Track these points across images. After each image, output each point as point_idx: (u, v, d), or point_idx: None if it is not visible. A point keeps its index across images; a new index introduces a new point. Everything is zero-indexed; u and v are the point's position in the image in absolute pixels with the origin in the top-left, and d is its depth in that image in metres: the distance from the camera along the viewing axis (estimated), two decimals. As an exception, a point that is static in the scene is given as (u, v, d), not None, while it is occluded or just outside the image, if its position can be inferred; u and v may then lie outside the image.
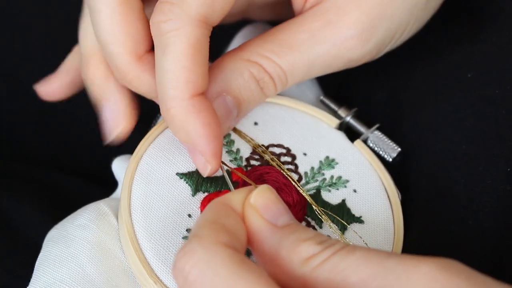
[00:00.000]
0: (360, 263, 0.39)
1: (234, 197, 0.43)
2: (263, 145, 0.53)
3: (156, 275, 0.46)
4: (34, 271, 0.48)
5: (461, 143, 0.52)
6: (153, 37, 0.47)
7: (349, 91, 0.61)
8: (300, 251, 0.41)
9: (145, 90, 0.51)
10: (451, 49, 0.56)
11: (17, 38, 0.67)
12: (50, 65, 0.63)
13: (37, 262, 0.49)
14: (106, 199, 0.51)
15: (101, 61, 0.53)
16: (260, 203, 0.43)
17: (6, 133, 0.63)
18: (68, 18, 0.65)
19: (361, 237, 0.50)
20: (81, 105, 0.63)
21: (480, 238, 0.49)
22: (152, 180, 0.49)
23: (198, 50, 0.46)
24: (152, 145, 0.51)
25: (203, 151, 0.48)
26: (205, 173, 0.49)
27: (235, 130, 0.53)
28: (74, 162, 0.62)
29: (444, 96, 0.55)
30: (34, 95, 0.61)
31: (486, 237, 0.48)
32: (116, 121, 0.52)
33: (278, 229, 0.42)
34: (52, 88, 0.56)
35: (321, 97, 0.57)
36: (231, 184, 0.49)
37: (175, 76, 0.46)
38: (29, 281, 0.49)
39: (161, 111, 0.48)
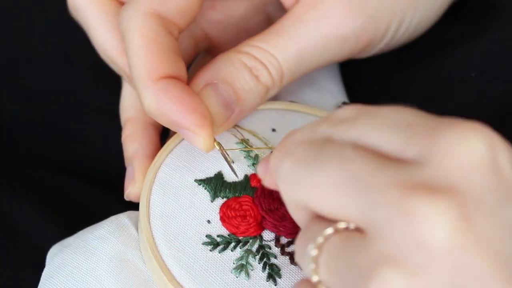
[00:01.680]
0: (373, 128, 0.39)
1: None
2: None
3: (176, 280, 0.46)
4: (46, 277, 0.49)
5: None
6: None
7: (355, 92, 0.61)
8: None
9: None
10: (453, 48, 0.56)
11: (18, 39, 0.68)
12: (51, 66, 0.65)
13: (49, 268, 0.49)
14: (127, 212, 0.51)
15: (131, 128, 0.55)
16: None
17: (6, 134, 0.63)
18: (68, 19, 0.65)
19: None
20: (82, 105, 0.64)
21: None
22: (170, 188, 0.50)
23: (152, 39, 0.48)
24: (171, 155, 0.52)
25: (184, 126, 0.48)
26: (200, 146, 0.49)
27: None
28: (74, 163, 0.63)
29: (447, 95, 0.55)
30: (34, 96, 0.62)
31: None
32: (127, 183, 0.53)
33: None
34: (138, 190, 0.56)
35: (340, 103, 0.57)
36: (232, 167, 0.50)
37: (136, 66, 0.48)
38: (29, 280, 0.50)
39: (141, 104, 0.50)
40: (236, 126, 0.53)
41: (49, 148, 0.63)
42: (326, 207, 0.38)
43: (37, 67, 0.66)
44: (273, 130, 0.54)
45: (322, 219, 0.38)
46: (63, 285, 0.47)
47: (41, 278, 0.49)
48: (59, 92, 0.65)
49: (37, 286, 0.48)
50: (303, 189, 0.38)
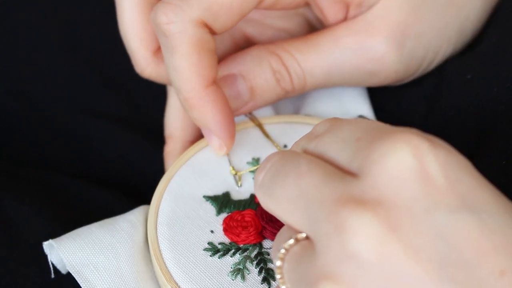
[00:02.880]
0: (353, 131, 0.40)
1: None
2: None
3: (175, 281, 0.49)
4: (67, 235, 0.51)
5: (463, 142, 0.52)
6: (158, 36, 0.51)
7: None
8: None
9: (163, 80, 0.56)
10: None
11: (18, 42, 0.68)
12: (51, 67, 0.66)
13: (73, 232, 0.51)
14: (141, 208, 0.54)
15: (172, 146, 0.58)
16: None
17: (6, 134, 0.65)
18: (68, 20, 0.68)
19: None
20: (83, 104, 0.65)
21: None
22: (179, 199, 0.53)
23: (202, 47, 0.50)
24: (184, 167, 0.55)
25: (219, 135, 0.52)
26: (220, 153, 0.53)
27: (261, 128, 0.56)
28: (75, 164, 0.64)
29: (444, 98, 0.55)
30: (34, 96, 0.64)
31: None
32: None
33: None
34: None
35: (359, 115, 0.58)
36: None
37: (186, 72, 0.50)
38: (31, 281, 0.51)
39: (179, 100, 0.52)
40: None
41: (50, 149, 0.64)
42: (287, 220, 0.40)
43: (38, 69, 0.67)
44: (285, 146, 0.56)
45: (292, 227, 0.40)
46: (83, 251, 0.50)
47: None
48: (60, 94, 0.66)
49: (41, 282, 0.52)
50: (269, 202, 0.41)
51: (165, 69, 0.54)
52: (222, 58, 0.57)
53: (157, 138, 0.61)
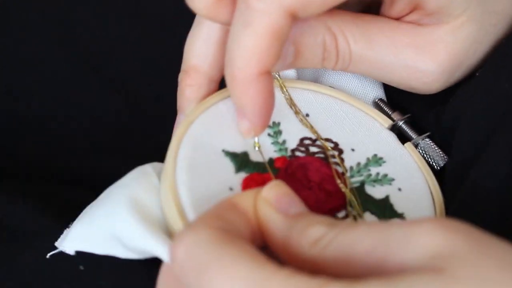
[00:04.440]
0: (363, 236, 0.39)
1: (241, 196, 0.44)
2: (310, 138, 0.53)
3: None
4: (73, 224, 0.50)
5: (470, 137, 0.52)
6: (237, 4, 0.48)
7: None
8: (309, 234, 0.41)
9: (216, 18, 0.50)
10: None
11: (17, 43, 0.68)
12: (50, 68, 0.65)
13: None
14: (153, 163, 0.51)
15: (196, 79, 0.54)
16: (272, 195, 0.44)
17: (5, 136, 0.64)
18: (68, 20, 0.67)
19: None
20: (82, 106, 0.64)
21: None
22: (199, 148, 0.50)
23: (278, 37, 0.47)
24: (205, 114, 0.52)
25: (252, 122, 0.49)
26: (247, 136, 0.51)
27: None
28: (67, 169, 0.62)
29: (451, 94, 0.55)
30: (33, 97, 0.63)
31: None
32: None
33: (288, 218, 0.43)
34: None
35: (376, 100, 0.58)
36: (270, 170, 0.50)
37: (249, 52, 0.47)
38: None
39: (225, 71, 0.49)
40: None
41: (42, 154, 0.63)
42: None
43: (37, 70, 0.66)
44: (307, 115, 0.54)
45: None
46: (81, 227, 0.49)
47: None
48: (59, 95, 0.65)
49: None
50: None
51: (225, 11, 0.50)
52: None
53: (158, 140, 0.58)
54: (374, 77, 0.55)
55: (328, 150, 0.53)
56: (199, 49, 0.54)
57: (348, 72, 0.56)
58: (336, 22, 0.52)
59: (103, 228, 0.48)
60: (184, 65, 0.55)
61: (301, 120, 0.54)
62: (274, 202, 0.44)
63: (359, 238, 0.40)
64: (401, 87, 0.55)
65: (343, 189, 0.51)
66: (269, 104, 0.49)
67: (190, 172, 0.48)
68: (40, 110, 0.64)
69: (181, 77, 0.55)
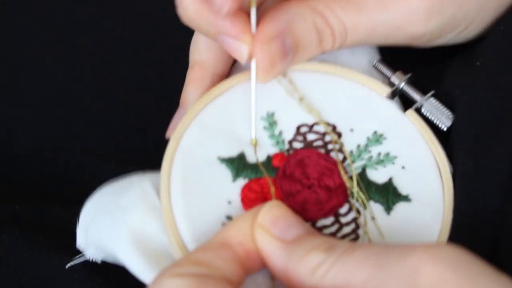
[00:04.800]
0: (359, 265, 0.41)
1: (236, 227, 0.45)
2: (307, 124, 0.52)
3: None
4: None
5: (470, 127, 0.51)
6: None
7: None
8: (307, 262, 0.42)
9: (200, 25, 0.51)
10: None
11: (16, 46, 0.67)
12: (48, 70, 0.65)
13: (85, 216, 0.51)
14: (150, 175, 0.51)
15: (199, 73, 0.54)
16: (267, 220, 0.44)
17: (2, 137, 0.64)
18: (67, 23, 0.66)
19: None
20: (80, 110, 0.64)
21: None
22: (192, 163, 0.50)
23: None
24: (194, 122, 0.51)
25: (230, 32, 0.48)
26: (242, 57, 0.50)
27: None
28: (66, 168, 0.62)
29: (453, 83, 0.53)
30: (31, 101, 0.63)
31: None
32: (175, 124, 0.54)
33: (286, 244, 0.44)
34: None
35: (375, 62, 0.55)
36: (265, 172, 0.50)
37: None
38: None
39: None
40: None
41: (25, 176, 0.63)
42: None
43: (35, 72, 0.66)
44: (301, 99, 0.52)
45: None
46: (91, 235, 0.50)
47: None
48: (57, 98, 0.65)
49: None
50: None
51: (206, 14, 0.49)
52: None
53: (158, 143, 0.58)
54: (373, 41, 0.53)
55: (330, 136, 0.52)
56: (203, 45, 0.55)
57: (348, 47, 0.53)
58: (319, 0, 0.51)
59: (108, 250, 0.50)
60: (190, 61, 0.55)
61: (306, 107, 0.53)
62: (270, 227, 0.45)
63: (355, 269, 0.41)
64: (399, 41, 0.53)
65: (345, 179, 0.50)
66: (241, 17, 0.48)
67: (186, 196, 0.49)
68: (37, 111, 0.65)
69: (188, 72, 0.55)
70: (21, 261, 0.53)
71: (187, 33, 0.55)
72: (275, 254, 0.44)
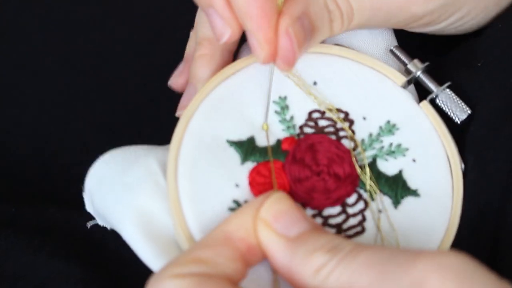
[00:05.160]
0: (362, 270, 0.40)
1: (237, 221, 0.44)
2: (319, 110, 0.51)
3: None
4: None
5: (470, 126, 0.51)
6: None
7: None
8: (311, 263, 0.42)
9: None
10: (457, 40, 0.54)
11: (14, 47, 0.67)
12: (47, 72, 0.64)
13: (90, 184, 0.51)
14: (157, 151, 0.50)
15: (209, 49, 0.53)
16: (270, 215, 0.44)
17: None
18: (66, 25, 0.65)
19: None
20: (78, 112, 0.63)
21: None
22: (201, 144, 0.49)
23: None
24: (205, 102, 0.50)
25: (261, 33, 0.47)
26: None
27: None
28: (64, 168, 0.62)
29: (454, 84, 0.53)
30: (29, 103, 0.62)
31: None
32: (185, 102, 0.54)
33: (289, 242, 0.43)
34: (183, 80, 0.56)
35: (392, 48, 0.54)
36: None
37: None
38: None
39: None
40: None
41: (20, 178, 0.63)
42: None
43: (34, 73, 0.66)
44: (315, 83, 0.52)
45: None
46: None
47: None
48: (56, 99, 0.64)
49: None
50: None
51: None
52: None
53: (158, 143, 0.57)
54: (378, 23, 0.52)
55: (341, 122, 0.51)
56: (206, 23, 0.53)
57: (353, 29, 0.52)
58: None
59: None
60: (198, 38, 0.54)
61: (315, 99, 0.51)
62: (273, 222, 0.44)
63: (357, 274, 0.41)
64: (400, 22, 0.52)
65: (357, 168, 0.50)
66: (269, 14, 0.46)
67: (193, 179, 0.48)
68: (37, 111, 0.64)
69: (195, 49, 0.54)
70: (18, 265, 0.53)
71: (187, 33, 0.55)
72: (278, 252, 0.43)
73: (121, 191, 0.49)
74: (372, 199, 0.49)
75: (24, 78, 0.66)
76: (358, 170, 0.49)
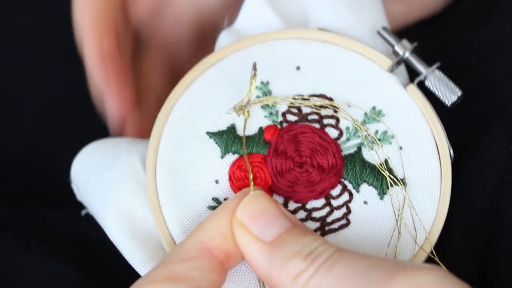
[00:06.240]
0: (339, 283, 0.39)
1: (212, 226, 0.43)
2: (301, 96, 0.49)
3: (175, 242, 0.47)
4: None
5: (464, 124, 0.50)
6: None
7: None
8: (288, 269, 0.41)
9: None
10: (452, 37, 0.53)
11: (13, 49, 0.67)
12: (45, 73, 0.64)
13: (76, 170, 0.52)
14: (139, 146, 0.50)
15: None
16: (247, 216, 0.42)
17: None
18: (65, 27, 0.64)
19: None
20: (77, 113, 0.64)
21: None
22: (180, 139, 0.48)
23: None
24: (185, 95, 0.49)
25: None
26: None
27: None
28: (63, 167, 0.61)
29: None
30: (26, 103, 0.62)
31: None
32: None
33: (267, 246, 0.42)
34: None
35: (378, 29, 0.51)
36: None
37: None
38: None
39: None
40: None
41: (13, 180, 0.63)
42: None
43: (33, 74, 0.66)
44: (298, 68, 0.50)
45: None
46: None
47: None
48: (53, 99, 0.65)
49: None
50: None
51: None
52: None
53: None
54: None
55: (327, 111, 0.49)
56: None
57: None
58: None
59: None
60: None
61: (289, 77, 0.50)
62: (249, 224, 0.43)
63: (334, 286, 0.40)
64: None
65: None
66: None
67: (172, 176, 0.47)
68: (37, 111, 0.65)
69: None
70: (15, 267, 0.53)
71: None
72: (257, 258, 0.42)
73: (104, 187, 0.49)
74: (357, 191, 0.47)
75: (24, 78, 0.66)
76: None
